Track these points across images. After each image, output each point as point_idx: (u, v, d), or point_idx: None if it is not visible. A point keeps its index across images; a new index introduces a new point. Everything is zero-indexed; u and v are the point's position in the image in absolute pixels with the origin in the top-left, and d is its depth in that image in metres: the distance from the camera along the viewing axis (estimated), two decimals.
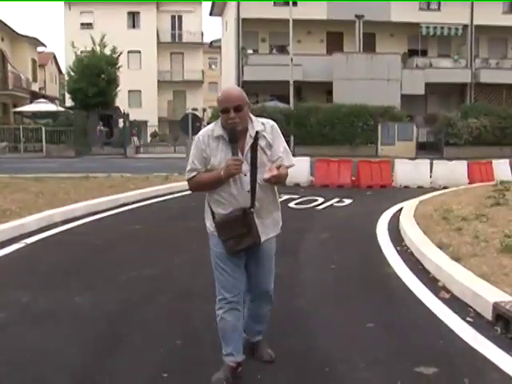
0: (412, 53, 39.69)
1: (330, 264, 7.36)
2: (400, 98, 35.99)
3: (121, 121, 38.31)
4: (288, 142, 26.89)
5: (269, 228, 3.88)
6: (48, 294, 5.89)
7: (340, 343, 4.67)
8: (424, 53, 40.35)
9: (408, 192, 15.59)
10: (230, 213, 3.69)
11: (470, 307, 5.49)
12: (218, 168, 3.64)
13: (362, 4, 36.25)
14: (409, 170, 17.51)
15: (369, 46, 38.66)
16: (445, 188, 16.21)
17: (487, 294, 5.38)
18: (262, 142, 3.73)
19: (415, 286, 6.35)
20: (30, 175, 17.42)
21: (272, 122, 3.88)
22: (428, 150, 33.29)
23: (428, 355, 4.38)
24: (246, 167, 3.65)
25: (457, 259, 6.84)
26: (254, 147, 3.69)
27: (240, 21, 37.61)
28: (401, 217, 10.41)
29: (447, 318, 5.25)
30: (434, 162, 18.24)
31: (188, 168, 3.77)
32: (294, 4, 34.79)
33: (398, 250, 8.20)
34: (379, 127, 32.94)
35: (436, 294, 5.97)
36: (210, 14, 48.34)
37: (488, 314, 5.15)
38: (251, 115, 3.78)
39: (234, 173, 3.59)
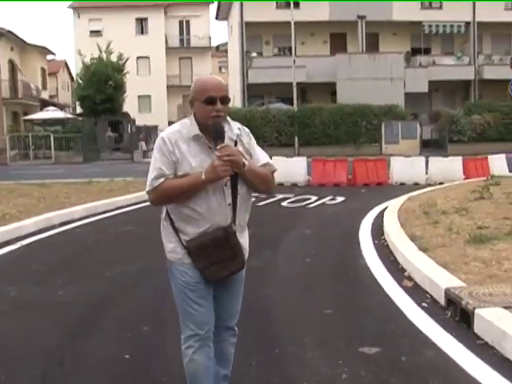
0: (416, 51, 39.87)
1: (305, 258, 7.73)
2: (404, 97, 36.18)
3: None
4: (293, 144, 26.95)
5: (245, 248, 3.24)
6: (34, 289, 6.36)
7: (294, 327, 5.05)
8: (428, 51, 40.52)
9: (403, 189, 15.85)
10: (208, 233, 3.07)
11: (428, 294, 5.84)
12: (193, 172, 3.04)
13: (364, 4, 36.55)
14: (405, 167, 17.81)
15: (372, 45, 38.92)
16: (440, 184, 16.49)
17: (442, 281, 5.73)
18: (240, 147, 3.14)
19: (382, 276, 6.71)
20: (36, 181, 17.91)
21: (246, 128, 3.29)
22: (432, 147, 33.50)
23: (375, 337, 4.75)
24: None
25: (424, 250, 7.19)
26: None
27: (243, 24, 38.03)
28: (385, 212, 10.75)
29: (403, 304, 5.61)
30: (430, 158, 18.54)
31: (152, 175, 3.07)
32: (297, 6, 35.20)
33: (375, 244, 8.57)
34: (383, 126, 33.18)
35: (399, 283, 6.33)
36: (216, 18, 48.84)
37: (442, 300, 5.50)
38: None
39: (222, 176, 3.00)
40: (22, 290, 6.29)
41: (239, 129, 3.20)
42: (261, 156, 3.24)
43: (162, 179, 3.05)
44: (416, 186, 16.77)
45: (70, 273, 7.12)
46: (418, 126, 33.93)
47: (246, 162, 3.05)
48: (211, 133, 3.04)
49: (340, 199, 14.16)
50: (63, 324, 5.17)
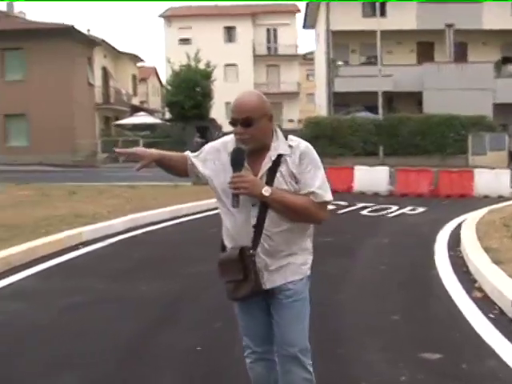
0: (506, 60, 38.72)
1: (380, 265, 7.89)
2: (493, 107, 35.26)
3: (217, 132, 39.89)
4: (378, 153, 26.25)
5: (280, 274, 2.97)
6: (119, 284, 6.86)
7: (359, 330, 5.26)
8: None
9: (486, 201, 15.60)
10: (228, 251, 3.00)
11: (497, 305, 5.89)
12: (217, 190, 2.99)
13: (453, 12, 35.84)
14: (489, 180, 17.49)
15: (460, 55, 38.04)
16: None
17: (511, 293, 5.77)
18: (282, 168, 2.88)
19: (453, 286, 6.78)
20: (125, 183, 18.77)
21: (304, 146, 2.93)
22: None
23: (438, 344, 4.88)
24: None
25: (498, 262, 7.19)
26: (272, 172, 2.88)
27: (330, 33, 38.12)
28: (463, 224, 10.71)
29: (471, 314, 5.67)
30: None
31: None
32: (383, 15, 35.06)
33: (450, 255, 8.59)
34: (470, 137, 32.47)
35: (469, 294, 6.40)
36: (304, 27, 49.23)
37: (510, 312, 5.56)
38: (279, 132, 2.96)
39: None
40: (108, 284, 6.80)
41: (291, 146, 2.91)
42: (310, 181, 2.88)
43: (188, 153, 3.11)
44: (500, 198, 16.47)
45: (153, 270, 7.59)
46: (507, 137, 32.96)
47: (266, 193, 2.80)
48: (231, 156, 2.88)
49: (420, 210, 14.13)
50: (144, 317, 5.59)
